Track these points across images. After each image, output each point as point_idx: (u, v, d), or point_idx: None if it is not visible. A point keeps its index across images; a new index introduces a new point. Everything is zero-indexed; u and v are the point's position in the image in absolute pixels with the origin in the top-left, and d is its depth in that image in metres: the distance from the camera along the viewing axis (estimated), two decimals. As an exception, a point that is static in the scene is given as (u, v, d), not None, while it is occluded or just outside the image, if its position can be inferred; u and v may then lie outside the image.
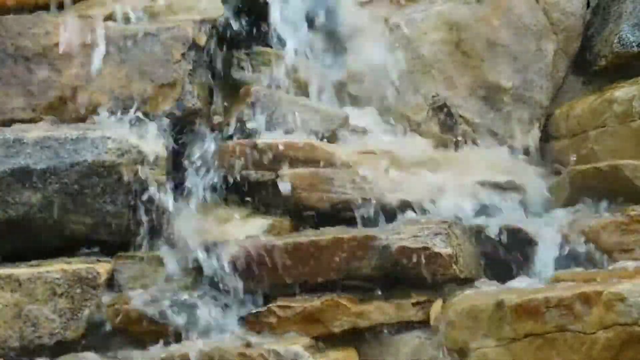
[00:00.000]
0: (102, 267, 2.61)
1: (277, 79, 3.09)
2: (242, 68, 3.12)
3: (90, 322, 2.58)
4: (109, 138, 2.70)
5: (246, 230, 2.73)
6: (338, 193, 2.79)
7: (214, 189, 2.85)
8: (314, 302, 2.58)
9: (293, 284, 2.60)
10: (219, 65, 3.07)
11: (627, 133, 2.94)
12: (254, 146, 2.84)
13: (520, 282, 2.61)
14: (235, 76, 3.10)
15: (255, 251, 2.61)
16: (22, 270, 2.58)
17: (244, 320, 2.61)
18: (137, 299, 2.60)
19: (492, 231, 2.70)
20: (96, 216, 2.68)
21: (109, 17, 2.98)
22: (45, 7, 3.03)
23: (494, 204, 2.87)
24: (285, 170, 2.81)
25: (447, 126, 3.17)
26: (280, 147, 2.84)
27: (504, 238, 2.68)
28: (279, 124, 2.96)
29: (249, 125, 2.95)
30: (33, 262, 2.64)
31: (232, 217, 2.80)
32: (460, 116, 3.17)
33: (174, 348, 2.53)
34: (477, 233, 2.70)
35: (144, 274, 2.66)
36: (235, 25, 3.10)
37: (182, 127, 2.91)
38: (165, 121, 2.87)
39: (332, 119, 3.02)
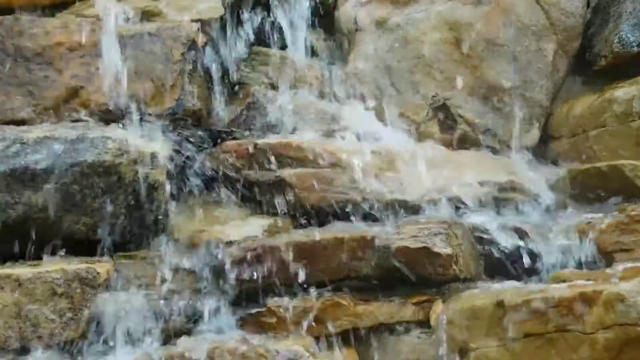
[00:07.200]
0: (102, 267, 2.61)
1: (277, 78, 3.09)
2: (242, 68, 3.12)
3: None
4: (109, 138, 2.70)
5: (246, 230, 2.74)
6: (338, 193, 2.79)
7: (214, 189, 2.85)
8: (314, 302, 2.58)
9: (293, 283, 2.60)
10: (218, 65, 3.07)
11: (627, 133, 2.95)
12: (254, 146, 2.84)
13: (520, 282, 2.61)
14: (234, 76, 3.10)
15: (255, 251, 2.61)
16: (22, 270, 2.58)
17: (244, 320, 2.61)
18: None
19: (492, 231, 2.70)
20: (96, 216, 2.68)
21: (109, 17, 2.99)
22: (46, 7, 3.04)
23: (494, 204, 2.87)
24: (285, 170, 2.81)
25: (447, 126, 3.16)
26: (280, 147, 2.84)
27: (503, 238, 2.68)
28: (278, 123, 2.96)
29: (249, 125, 2.95)
30: (33, 262, 2.64)
31: (232, 217, 2.80)
32: (460, 116, 3.17)
33: (175, 347, 2.53)
34: (477, 233, 2.70)
35: (144, 273, 2.66)
36: (234, 25, 3.10)
37: (182, 127, 2.91)
38: (165, 121, 2.87)
39: (333, 118, 3.02)
